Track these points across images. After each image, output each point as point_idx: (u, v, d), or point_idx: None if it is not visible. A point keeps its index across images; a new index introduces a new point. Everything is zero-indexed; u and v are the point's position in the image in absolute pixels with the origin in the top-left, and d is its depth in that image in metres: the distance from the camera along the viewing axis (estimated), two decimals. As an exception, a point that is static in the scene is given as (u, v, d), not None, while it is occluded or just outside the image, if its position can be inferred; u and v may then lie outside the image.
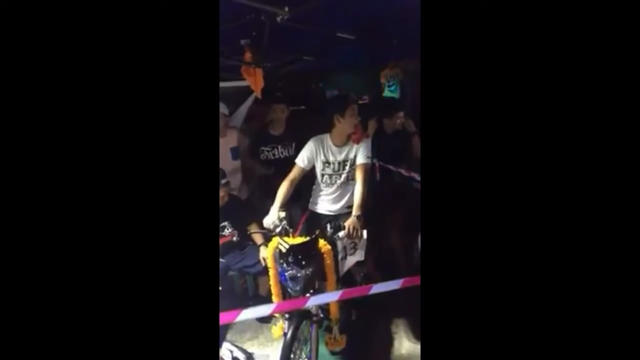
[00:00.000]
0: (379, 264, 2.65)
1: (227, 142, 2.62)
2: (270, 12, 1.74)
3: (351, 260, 2.01)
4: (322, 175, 2.17)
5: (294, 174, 2.10)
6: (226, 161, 2.57)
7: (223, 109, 2.56)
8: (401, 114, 2.75)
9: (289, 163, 2.22)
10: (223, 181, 2.20)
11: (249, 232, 2.25)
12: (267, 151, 2.69)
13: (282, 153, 2.70)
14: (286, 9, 1.70)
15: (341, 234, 1.86)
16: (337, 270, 1.92)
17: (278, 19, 1.76)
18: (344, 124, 2.06)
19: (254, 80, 2.38)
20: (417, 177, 2.60)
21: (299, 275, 1.69)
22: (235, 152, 2.67)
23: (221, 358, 2.05)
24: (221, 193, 2.19)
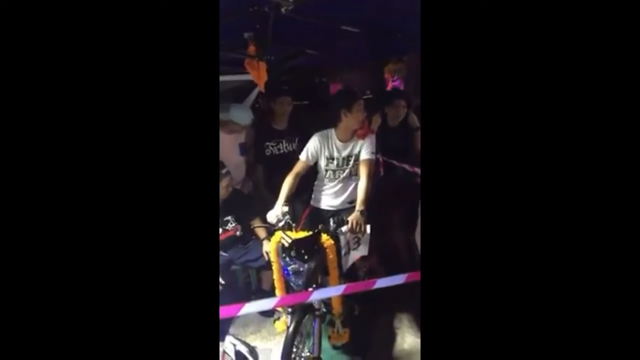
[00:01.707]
0: (382, 259, 2.65)
1: (237, 137, 2.61)
2: (273, 4, 1.73)
3: (355, 255, 2.01)
4: (326, 171, 2.16)
5: (297, 168, 2.10)
6: (235, 157, 2.56)
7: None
8: (403, 102, 2.73)
9: (294, 158, 2.21)
10: (223, 171, 2.18)
11: (252, 227, 2.25)
12: (272, 146, 2.68)
13: (286, 148, 2.68)
14: (290, 0, 1.68)
15: (344, 228, 1.86)
16: (340, 265, 1.91)
17: (282, 9, 1.74)
18: (351, 119, 2.04)
19: (258, 74, 2.35)
20: (421, 172, 2.58)
21: (301, 269, 1.69)
22: (243, 148, 2.66)
23: (224, 352, 2.05)
24: (223, 183, 2.17)
